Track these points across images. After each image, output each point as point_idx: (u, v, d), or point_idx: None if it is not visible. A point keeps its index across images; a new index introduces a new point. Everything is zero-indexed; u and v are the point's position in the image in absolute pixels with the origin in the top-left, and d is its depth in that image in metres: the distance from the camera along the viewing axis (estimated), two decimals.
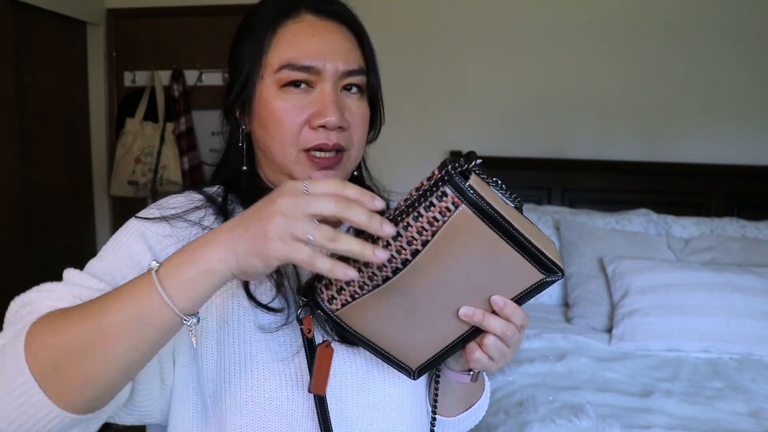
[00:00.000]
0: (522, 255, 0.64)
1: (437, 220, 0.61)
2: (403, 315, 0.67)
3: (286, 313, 0.74)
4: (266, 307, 0.73)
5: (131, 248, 0.73)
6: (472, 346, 0.69)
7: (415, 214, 0.61)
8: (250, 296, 0.73)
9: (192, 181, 2.91)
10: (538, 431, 1.41)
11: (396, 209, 0.63)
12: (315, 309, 0.68)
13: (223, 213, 0.78)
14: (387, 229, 0.56)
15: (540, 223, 2.50)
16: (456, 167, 0.60)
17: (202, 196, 0.80)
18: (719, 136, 2.66)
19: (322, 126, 0.74)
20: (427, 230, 0.61)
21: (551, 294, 2.41)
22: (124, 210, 3.10)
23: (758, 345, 1.91)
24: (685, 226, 2.43)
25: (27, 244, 2.57)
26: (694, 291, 1.98)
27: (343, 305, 0.66)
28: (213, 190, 0.83)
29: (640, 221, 2.43)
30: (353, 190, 0.56)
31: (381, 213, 0.58)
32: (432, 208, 0.61)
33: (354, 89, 0.78)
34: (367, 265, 0.64)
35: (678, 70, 2.67)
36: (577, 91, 2.75)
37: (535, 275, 0.66)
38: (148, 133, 2.92)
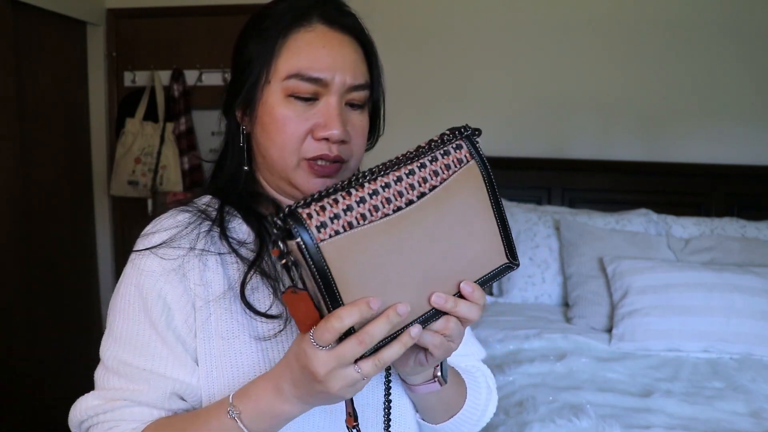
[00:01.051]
0: (500, 230, 0.69)
1: (448, 168, 0.65)
2: (382, 270, 0.60)
3: (284, 317, 0.75)
4: (264, 315, 0.74)
5: (149, 318, 0.74)
6: (436, 338, 0.66)
7: (431, 157, 0.64)
8: (248, 306, 0.74)
9: (192, 181, 2.91)
10: (538, 431, 1.41)
11: (410, 151, 0.64)
12: (295, 236, 0.56)
13: (220, 226, 0.78)
14: (414, 331, 0.61)
15: (540, 223, 2.50)
16: (470, 128, 0.67)
17: (189, 214, 0.79)
18: (719, 136, 2.66)
19: (325, 138, 0.75)
20: (438, 175, 0.64)
21: (551, 294, 2.41)
22: (125, 210, 3.09)
23: (758, 345, 1.91)
24: (685, 226, 2.43)
25: (27, 244, 2.57)
26: (694, 291, 1.98)
27: (331, 236, 0.57)
28: (204, 200, 0.82)
29: (640, 221, 2.43)
30: (376, 328, 0.59)
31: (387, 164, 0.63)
32: (447, 156, 0.65)
33: (357, 103, 0.78)
34: (372, 196, 0.60)
35: (678, 70, 2.67)
36: (577, 92, 2.75)
37: (502, 258, 0.70)
38: (148, 133, 2.92)
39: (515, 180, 2.75)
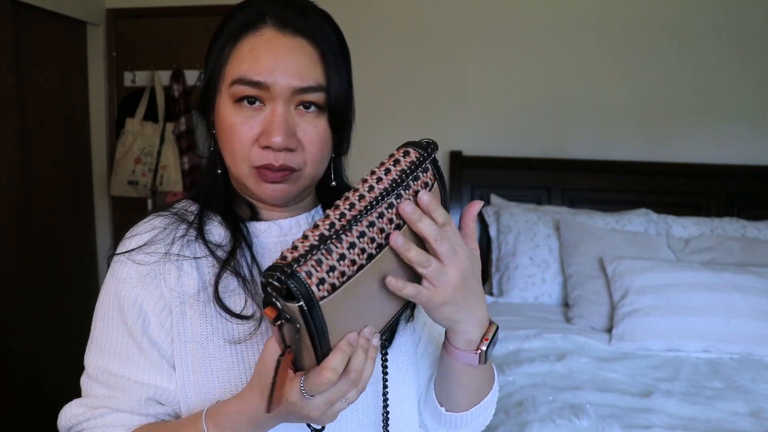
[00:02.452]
0: None
1: (416, 194, 0.65)
2: (360, 306, 0.61)
3: (258, 317, 0.76)
4: (238, 316, 0.75)
5: (125, 325, 0.76)
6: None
7: (405, 185, 0.64)
8: (222, 306, 0.75)
9: (192, 181, 2.91)
10: (538, 431, 1.41)
11: (377, 174, 0.63)
12: (296, 299, 0.54)
13: (199, 230, 0.79)
14: (375, 342, 0.63)
15: (540, 223, 2.50)
16: (435, 146, 0.67)
17: (164, 219, 0.81)
18: (719, 136, 2.66)
19: (269, 146, 0.74)
20: (411, 201, 0.64)
21: (551, 294, 2.41)
22: (124, 210, 3.10)
23: (758, 345, 1.91)
24: (685, 226, 2.43)
25: (27, 244, 2.57)
26: (694, 291, 1.98)
27: (329, 291, 0.56)
28: (181, 205, 0.84)
29: (640, 221, 2.43)
30: (358, 362, 0.60)
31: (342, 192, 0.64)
32: (416, 181, 0.65)
33: (312, 108, 0.75)
34: (360, 238, 0.59)
35: (678, 70, 2.67)
36: (577, 91, 2.75)
37: None
38: (148, 133, 2.92)
39: (515, 180, 2.75)
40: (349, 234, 0.59)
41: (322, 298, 0.55)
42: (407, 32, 2.82)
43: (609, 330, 2.07)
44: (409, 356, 0.85)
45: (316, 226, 0.58)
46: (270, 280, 0.54)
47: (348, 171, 0.90)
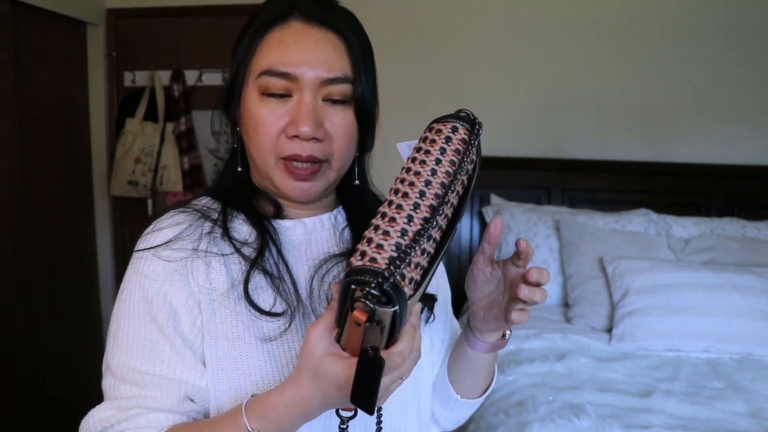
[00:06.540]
0: None
1: (472, 163, 0.66)
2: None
3: (288, 314, 0.75)
4: (268, 314, 0.74)
5: (155, 322, 0.74)
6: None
7: (464, 169, 0.64)
8: (252, 304, 0.74)
9: (192, 181, 2.91)
10: (538, 431, 1.41)
11: (444, 169, 0.62)
12: (394, 304, 0.53)
13: (224, 227, 0.78)
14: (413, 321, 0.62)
15: (540, 223, 2.50)
16: (480, 124, 0.66)
17: (188, 215, 0.79)
18: (719, 136, 2.66)
19: (296, 136, 0.74)
20: (468, 170, 0.65)
21: (551, 294, 2.41)
22: (124, 210, 3.09)
23: (758, 345, 1.91)
24: (685, 226, 2.43)
25: (27, 244, 2.57)
26: (694, 291, 1.98)
27: (415, 290, 0.55)
28: (203, 202, 0.83)
29: (640, 221, 2.43)
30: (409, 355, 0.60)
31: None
32: (467, 160, 0.65)
33: (338, 98, 0.76)
34: (437, 228, 0.58)
35: (678, 70, 2.67)
36: (576, 91, 2.75)
37: None
38: (148, 133, 2.92)
39: (515, 180, 2.75)
40: (432, 229, 0.57)
41: (410, 297, 0.54)
42: (407, 32, 2.82)
43: (609, 330, 2.07)
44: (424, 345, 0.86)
45: (393, 219, 0.56)
46: (368, 289, 0.51)
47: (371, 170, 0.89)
